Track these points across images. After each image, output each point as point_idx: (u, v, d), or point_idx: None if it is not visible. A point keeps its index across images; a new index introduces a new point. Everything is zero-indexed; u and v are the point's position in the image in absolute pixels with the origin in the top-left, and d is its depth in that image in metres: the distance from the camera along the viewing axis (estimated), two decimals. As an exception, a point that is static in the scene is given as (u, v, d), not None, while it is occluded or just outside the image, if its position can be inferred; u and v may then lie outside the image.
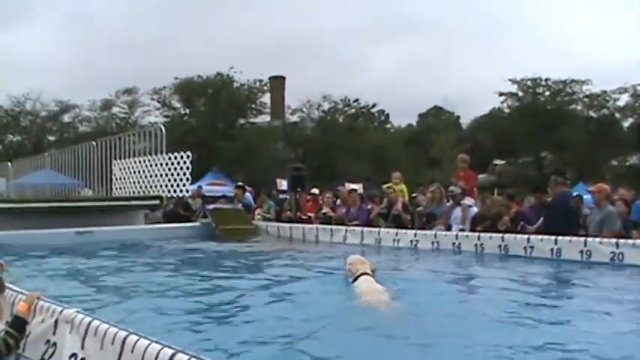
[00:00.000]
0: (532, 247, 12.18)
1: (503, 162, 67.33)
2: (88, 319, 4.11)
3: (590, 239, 11.68)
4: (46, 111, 64.44)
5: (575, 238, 11.84)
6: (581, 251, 11.48)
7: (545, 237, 12.12)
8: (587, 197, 17.33)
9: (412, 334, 6.05)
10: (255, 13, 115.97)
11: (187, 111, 64.31)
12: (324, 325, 6.27)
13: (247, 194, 23.33)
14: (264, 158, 56.73)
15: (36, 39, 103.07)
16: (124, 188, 20.68)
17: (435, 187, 17.13)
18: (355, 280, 7.78)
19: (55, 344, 4.20)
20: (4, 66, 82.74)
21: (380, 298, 7.22)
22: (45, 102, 63.27)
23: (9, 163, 30.17)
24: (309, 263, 12.06)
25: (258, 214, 20.63)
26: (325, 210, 18.57)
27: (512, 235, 12.72)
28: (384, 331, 6.04)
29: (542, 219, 13.54)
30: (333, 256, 11.80)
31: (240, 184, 25.46)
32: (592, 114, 60.52)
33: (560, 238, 11.86)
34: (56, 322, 4.29)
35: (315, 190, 20.68)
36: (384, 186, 19.11)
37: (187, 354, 3.19)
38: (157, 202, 19.02)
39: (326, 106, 63.60)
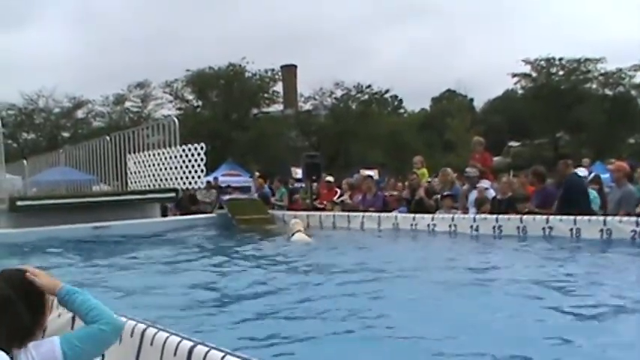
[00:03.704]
0: (551, 228, 12.10)
1: (518, 144, 67.07)
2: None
3: (609, 218, 11.61)
4: (60, 107, 64.68)
5: (594, 218, 11.78)
6: (601, 230, 11.39)
7: (564, 217, 12.01)
8: (605, 176, 17.13)
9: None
10: (264, 3, 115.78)
11: (200, 103, 64.50)
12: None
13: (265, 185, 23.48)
14: (279, 147, 56.79)
15: (47, 36, 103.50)
16: (139, 182, 20.69)
17: (442, 171, 17.08)
18: (293, 235, 13.20)
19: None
20: (16, 64, 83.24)
21: (305, 240, 12.97)
22: (58, 99, 63.55)
23: (24, 161, 30.26)
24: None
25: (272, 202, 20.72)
26: (344, 197, 18.52)
27: (531, 217, 12.61)
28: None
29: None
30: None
31: (258, 174, 25.59)
32: (608, 92, 60.02)
33: (579, 217, 11.78)
34: (73, 317, 4.25)
35: (330, 178, 20.53)
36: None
37: (208, 346, 3.15)
38: (173, 194, 19.03)
39: (338, 93, 63.46)
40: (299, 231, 13.31)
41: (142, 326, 3.67)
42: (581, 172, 15.84)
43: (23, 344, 2.62)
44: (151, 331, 3.59)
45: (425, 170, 18.65)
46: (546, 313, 6.26)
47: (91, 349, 2.81)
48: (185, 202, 21.96)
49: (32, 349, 2.63)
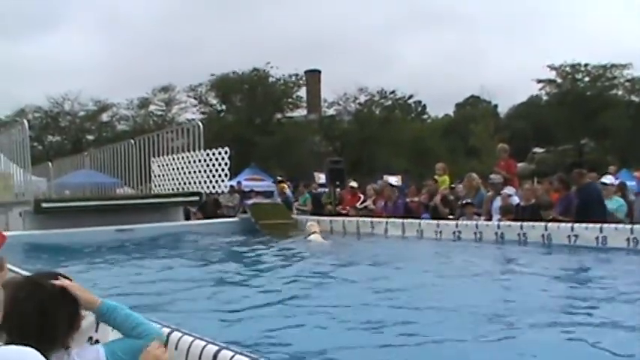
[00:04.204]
0: (576, 236, 11.95)
1: (542, 150, 66.63)
2: (130, 316, 4.06)
3: (637, 226, 11.44)
4: (85, 111, 65.21)
5: (621, 226, 11.63)
6: (628, 239, 11.24)
7: (590, 225, 11.85)
8: (631, 184, 17.00)
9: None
10: (288, 9, 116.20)
11: (224, 107, 64.62)
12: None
13: (287, 189, 23.48)
14: (302, 152, 56.80)
15: (73, 40, 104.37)
16: (164, 185, 20.75)
17: (467, 176, 16.94)
18: (309, 235, 14.40)
19: (97, 341, 4.15)
20: (43, 68, 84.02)
21: (321, 242, 14.04)
22: (83, 102, 64.15)
23: (49, 164, 30.48)
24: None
25: (295, 208, 20.70)
26: (367, 203, 18.49)
27: (556, 224, 12.47)
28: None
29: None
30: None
31: (280, 178, 25.59)
32: (634, 98, 59.53)
33: (605, 225, 11.62)
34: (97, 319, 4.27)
35: (354, 184, 20.50)
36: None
37: (233, 350, 3.14)
38: (197, 198, 19.09)
39: (362, 98, 63.39)
40: (314, 232, 14.56)
41: (166, 330, 3.66)
42: (608, 179, 15.62)
43: (60, 345, 2.60)
44: (176, 335, 3.58)
45: (446, 177, 18.55)
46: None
47: None
48: (210, 206, 22.04)
49: (75, 356, 2.61)
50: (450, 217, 15.55)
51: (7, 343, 2.23)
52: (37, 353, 2.16)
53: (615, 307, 6.78)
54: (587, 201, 12.86)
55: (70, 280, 2.83)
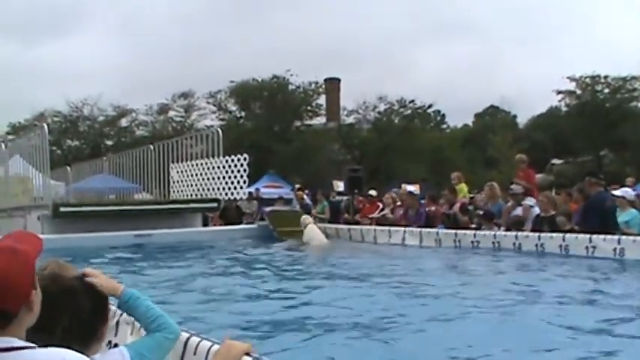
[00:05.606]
0: (594, 247, 11.91)
1: (561, 161, 66.22)
2: (149, 320, 4.06)
3: (654, 239, 11.39)
4: (104, 116, 65.53)
5: (638, 238, 11.56)
6: (645, 250, 11.20)
7: (608, 236, 11.82)
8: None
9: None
10: (309, 17, 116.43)
11: (243, 114, 64.64)
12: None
13: (305, 196, 23.44)
14: (321, 160, 56.72)
15: (94, 46, 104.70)
16: (182, 191, 20.81)
17: (489, 186, 16.82)
18: (305, 227, 16.17)
19: (116, 345, 4.17)
20: (63, 72, 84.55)
21: (319, 239, 15.96)
22: (102, 107, 64.48)
23: (68, 168, 30.65)
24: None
25: (314, 215, 20.69)
26: (385, 211, 18.42)
27: (574, 235, 12.42)
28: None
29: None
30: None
31: (298, 186, 25.59)
32: (654, 110, 59.09)
33: (623, 237, 11.62)
34: (117, 323, 4.27)
35: (373, 192, 20.45)
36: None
37: (251, 356, 3.12)
38: (215, 204, 19.13)
39: (382, 107, 63.31)
40: (309, 224, 16.63)
41: (185, 335, 3.66)
42: (621, 191, 15.34)
43: (85, 346, 2.54)
44: (195, 340, 3.58)
45: (463, 185, 18.45)
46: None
47: (157, 358, 2.79)
48: (232, 213, 22.02)
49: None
50: (472, 226, 15.50)
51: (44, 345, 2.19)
52: (77, 354, 2.13)
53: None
54: (588, 208, 12.88)
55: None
